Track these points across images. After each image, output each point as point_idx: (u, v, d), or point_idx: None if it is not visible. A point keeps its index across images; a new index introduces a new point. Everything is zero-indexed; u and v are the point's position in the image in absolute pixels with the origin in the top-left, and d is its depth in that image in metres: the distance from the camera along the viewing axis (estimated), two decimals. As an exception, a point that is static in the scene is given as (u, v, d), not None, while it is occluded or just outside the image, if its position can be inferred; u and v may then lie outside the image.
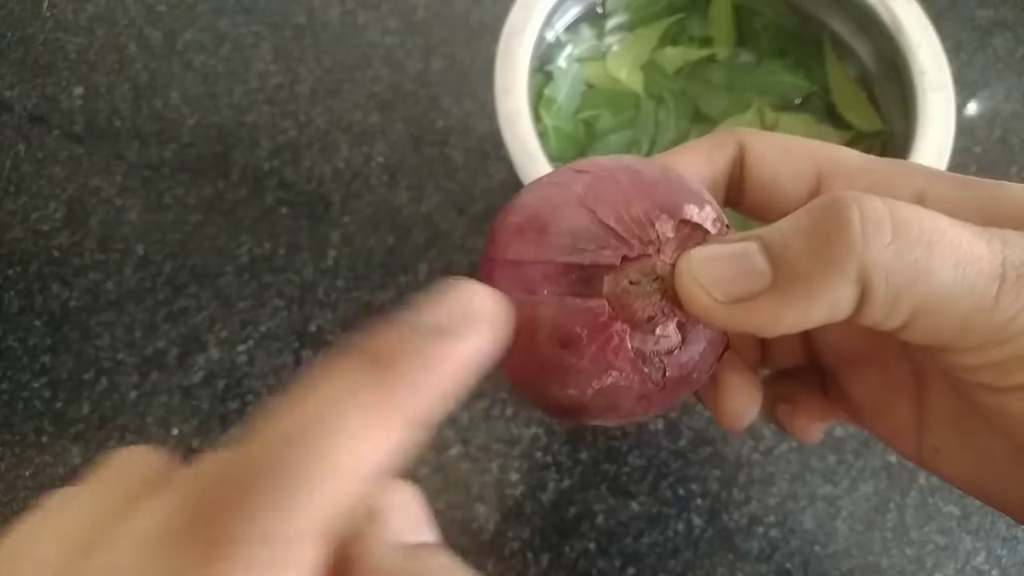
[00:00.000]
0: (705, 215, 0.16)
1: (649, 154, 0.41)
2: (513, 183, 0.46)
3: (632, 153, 0.42)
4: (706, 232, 0.16)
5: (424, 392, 0.13)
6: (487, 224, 0.45)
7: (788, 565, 0.39)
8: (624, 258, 0.15)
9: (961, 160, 0.46)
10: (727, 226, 0.17)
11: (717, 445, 0.41)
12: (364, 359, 0.13)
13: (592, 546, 0.39)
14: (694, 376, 0.17)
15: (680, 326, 0.16)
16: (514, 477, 0.40)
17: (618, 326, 0.15)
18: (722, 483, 0.40)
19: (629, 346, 0.15)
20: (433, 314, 0.13)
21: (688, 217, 0.16)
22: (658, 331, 0.16)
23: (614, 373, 0.16)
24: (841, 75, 0.42)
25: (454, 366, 0.13)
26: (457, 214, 0.45)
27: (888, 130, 0.40)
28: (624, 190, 0.16)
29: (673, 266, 0.16)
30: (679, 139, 0.42)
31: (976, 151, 0.46)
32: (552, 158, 0.37)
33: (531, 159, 0.35)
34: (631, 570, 0.39)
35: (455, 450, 0.41)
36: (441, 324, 0.13)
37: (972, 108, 0.48)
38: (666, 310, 0.16)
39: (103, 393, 0.42)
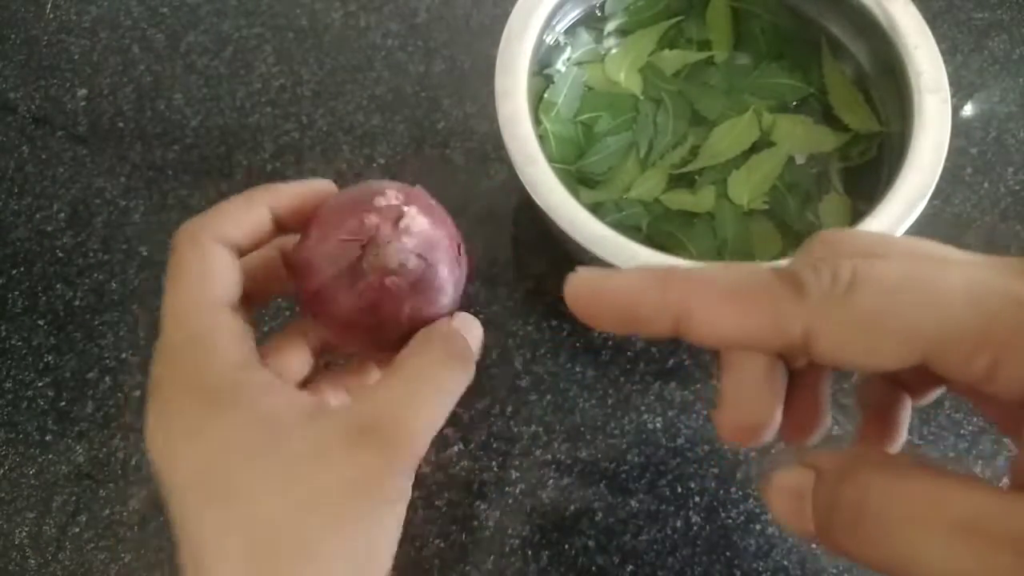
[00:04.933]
0: (389, 197, 0.27)
1: (648, 155, 0.42)
2: (513, 184, 0.46)
3: (631, 155, 0.42)
4: (396, 203, 0.27)
5: None
6: (488, 224, 0.45)
7: (785, 562, 0.39)
8: (361, 246, 0.25)
9: (957, 161, 0.46)
10: (403, 192, 0.27)
11: (715, 443, 0.41)
12: None
13: (591, 543, 0.39)
14: (459, 261, 0.28)
15: (416, 254, 0.26)
16: (514, 475, 0.40)
17: (389, 280, 0.26)
18: (720, 481, 0.40)
19: (403, 283, 0.26)
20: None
21: (380, 205, 0.26)
22: (410, 264, 0.26)
23: (407, 303, 0.26)
24: (838, 77, 0.42)
25: None
26: (458, 215, 0.45)
27: (885, 131, 0.40)
28: (339, 215, 0.26)
29: (391, 228, 0.26)
30: (677, 141, 0.42)
31: (972, 152, 0.47)
32: (551, 159, 0.38)
33: (530, 161, 0.35)
34: (630, 567, 0.39)
35: (456, 448, 0.41)
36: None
37: (968, 109, 0.48)
38: (402, 254, 0.26)
39: (107, 392, 0.43)
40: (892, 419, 0.23)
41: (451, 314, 0.29)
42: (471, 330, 0.27)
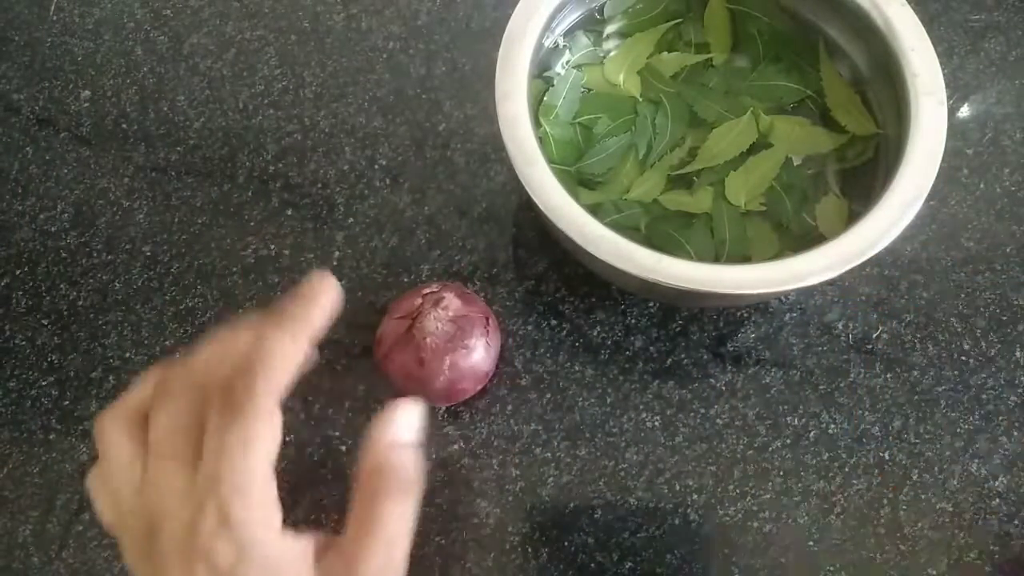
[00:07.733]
0: (432, 287, 0.38)
1: (647, 157, 0.42)
2: (513, 185, 0.47)
3: (630, 157, 0.42)
4: (436, 291, 0.38)
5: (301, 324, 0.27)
6: (488, 225, 0.46)
7: (782, 559, 0.39)
8: (411, 320, 0.37)
9: (953, 163, 0.47)
10: (442, 284, 0.39)
11: (712, 442, 0.41)
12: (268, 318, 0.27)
13: (591, 540, 0.40)
14: (487, 330, 0.38)
15: (452, 320, 0.37)
16: (514, 473, 0.41)
17: (429, 339, 0.37)
18: (717, 479, 0.41)
19: (440, 342, 0.37)
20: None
21: (424, 293, 0.38)
22: (443, 328, 0.37)
23: (446, 357, 0.37)
24: (835, 79, 0.42)
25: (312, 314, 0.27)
26: (458, 215, 0.46)
27: (881, 133, 0.40)
28: (400, 303, 0.39)
29: (432, 306, 0.38)
30: (675, 142, 0.42)
31: (968, 153, 0.47)
32: (551, 161, 0.38)
33: (530, 162, 0.35)
34: (628, 564, 0.39)
35: (456, 446, 0.41)
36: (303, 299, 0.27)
37: (964, 111, 0.48)
38: (437, 322, 0.37)
39: (110, 391, 0.43)
40: None
41: (487, 375, 0.39)
42: (413, 420, 0.29)
